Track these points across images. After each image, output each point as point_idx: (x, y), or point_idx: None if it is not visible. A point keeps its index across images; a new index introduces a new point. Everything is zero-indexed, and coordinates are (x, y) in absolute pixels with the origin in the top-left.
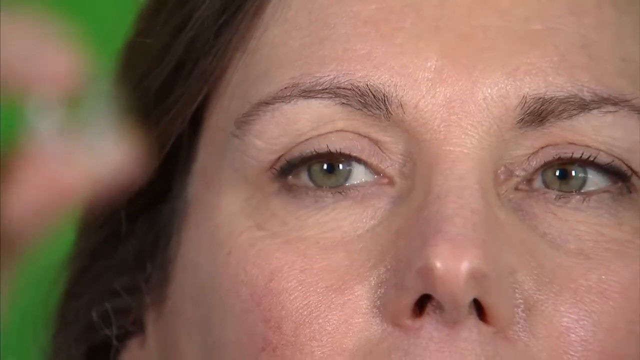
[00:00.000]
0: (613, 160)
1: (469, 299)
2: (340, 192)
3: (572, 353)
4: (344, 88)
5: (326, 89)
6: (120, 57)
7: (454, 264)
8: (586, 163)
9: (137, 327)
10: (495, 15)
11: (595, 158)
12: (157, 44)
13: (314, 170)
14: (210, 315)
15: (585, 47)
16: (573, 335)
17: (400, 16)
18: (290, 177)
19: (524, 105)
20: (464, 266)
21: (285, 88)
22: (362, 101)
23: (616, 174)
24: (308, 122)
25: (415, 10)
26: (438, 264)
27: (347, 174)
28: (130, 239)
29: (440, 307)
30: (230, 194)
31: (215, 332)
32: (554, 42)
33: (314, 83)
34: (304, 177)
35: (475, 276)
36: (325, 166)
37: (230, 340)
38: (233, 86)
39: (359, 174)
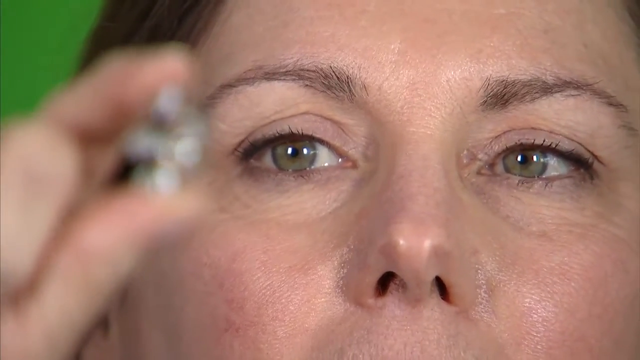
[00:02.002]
0: (575, 147)
1: (431, 276)
2: (302, 176)
3: (534, 334)
4: (307, 70)
5: (290, 71)
6: (86, 42)
7: (416, 241)
8: (548, 149)
9: (98, 318)
10: (462, 4)
11: (557, 145)
12: (122, 29)
13: (278, 153)
14: (172, 299)
15: (548, 32)
16: (535, 316)
17: (369, 2)
18: (253, 160)
19: (487, 87)
20: (427, 243)
21: (249, 70)
22: (326, 83)
23: (578, 160)
24: (271, 105)
25: None
26: (401, 241)
27: (311, 158)
28: None
29: (402, 286)
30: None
31: (177, 316)
32: (517, 26)
33: (278, 65)
34: (267, 161)
35: (438, 254)
36: (289, 150)
37: (192, 323)
38: (197, 72)
39: (322, 158)
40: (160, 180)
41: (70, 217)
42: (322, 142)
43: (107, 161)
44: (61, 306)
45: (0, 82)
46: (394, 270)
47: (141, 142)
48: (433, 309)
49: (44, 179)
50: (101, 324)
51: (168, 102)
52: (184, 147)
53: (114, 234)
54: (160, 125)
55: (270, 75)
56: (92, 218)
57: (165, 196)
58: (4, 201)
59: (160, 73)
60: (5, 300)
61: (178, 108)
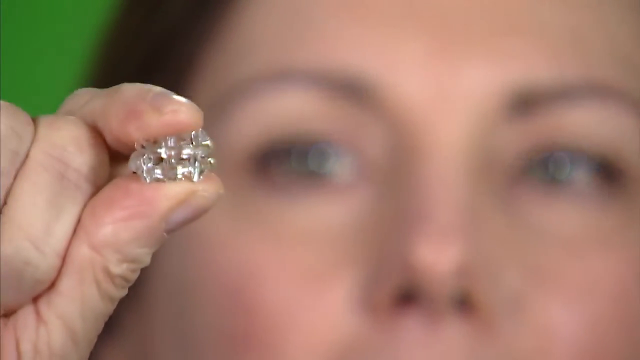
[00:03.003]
0: (600, 155)
1: (454, 292)
2: (319, 185)
3: (560, 348)
4: (325, 72)
5: (308, 72)
6: (99, 38)
7: (439, 256)
8: (573, 156)
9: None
10: (485, 3)
11: (582, 150)
12: (134, 27)
13: (294, 162)
14: (187, 306)
15: (576, 39)
16: (561, 331)
17: (388, 1)
18: (269, 167)
19: (511, 93)
20: (450, 258)
21: (264, 72)
22: (346, 86)
23: (604, 168)
24: (286, 108)
25: None
26: (422, 256)
27: (328, 166)
28: None
29: (423, 302)
30: None
31: (191, 324)
32: (541, 29)
33: (293, 67)
34: (283, 169)
35: (461, 268)
36: (305, 157)
37: (207, 332)
38: (210, 71)
39: (340, 165)
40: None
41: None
42: (339, 147)
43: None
44: (79, 298)
45: (0, 82)
46: (414, 286)
47: (152, 174)
48: (454, 327)
49: (76, 176)
50: (111, 328)
51: (174, 144)
52: (195, 173)
53: (129, 223)
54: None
55: (286, 77)
56: (105, 206)
57: (172, 184)
58: (33, 199)
59: (171, 122)
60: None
61: (182, 149)
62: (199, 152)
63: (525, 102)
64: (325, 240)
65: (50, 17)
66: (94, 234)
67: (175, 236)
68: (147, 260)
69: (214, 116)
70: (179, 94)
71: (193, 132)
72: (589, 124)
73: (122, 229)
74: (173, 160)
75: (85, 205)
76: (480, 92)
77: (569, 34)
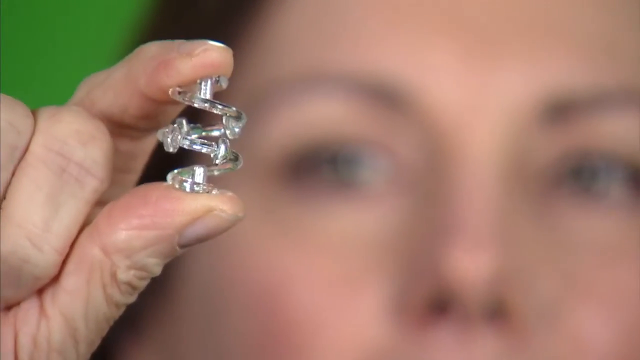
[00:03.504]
0: (635, 161)
1: (488, 301)
2: (351, 191)
3: (591, 357)
4: (360, 76)
5: (341, 77)
6: (128, 41)
7: (473, 265)
8: (608, 162)
9: (132, 326)
10: (521, 8)
11: (616, 158)
12: (166, 27)
13: (326, 168)
14: (217, 313)
15: (610, 44)
16: (596, 340)
17: (423, 5)
18: (302, 175)
19: (546, 99)
20: (484, 267)
21: (298, 75)
22: (379, 90)
23: (638, 174)
24: (321, 112)
25: (437, 2)
26: (457, 264)
27: (361, 173)
28: None
29: (456, 310)
30: (240, 192)
31: (221, 330)
32: (578, 37)
33: (328, 71)
34: (315, 176)
35: (496, 277)
36: (336, 165)
37: (237, 339)
38: (242, 73)
39: (372, 173)
40: (195, 180)
41: (98, 206)
42: (372, 151)
43: (139, 156)
44: (84, 297)
45: (0, 82)
46: (447, 294)
47: (177, 140)
48: (487, 336)
49: (77, 170)
50: (140, 326)
51: (208, 94)
52: (219, 150)
53: (143, 232)
54: (196, 120)
55: (318, 81)
56: (122, 211)
57: (197, 197)
58: (31, 195)
59: (204, 62)
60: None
61: (216, 103)
62: (231, 116)
63: (560, 109)
64: (356, 248)
65: (51, 17)
66: (107, 237)
67: (206, 242)
68: (156, 270)
69: (247, 116)
70: None
71: (224, 117)
72: (624, 131)
73: (134, 237)
74: (199, 142)
75: (88, 201)
76: (515, 98)
77: (603, 38)
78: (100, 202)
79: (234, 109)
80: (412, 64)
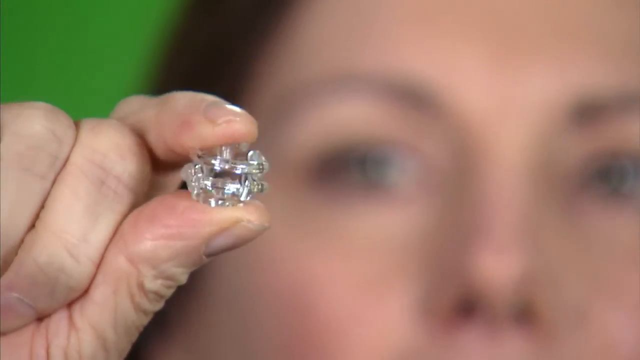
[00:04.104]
0: None
1: (516, 303)
2: (381, 195)
3: (619, 359)
4: (389, 78)
5: (370, 78)
6: (158, 45)
7: (501, 267)
8: (636, 164)
9: (161, 329)
10: (548, 10)
11: None
12: (194, 28)
13: (354, 170)
14: (247, 317)
15: (635, 45)
16: (625, 343)
17: (451, 7)
18: (330, 177)
19: (574, 102)
20: (512, 269)
21: (326, 76)
22: (409, 92)
23: None
24: (350, 113)
25: (467, 4)
26: (484, 266)
27: (389, 175)
28: None
29: (484, 313)
30: (268, 193)
31: (250, 333)
32: (604, 39)
33: (357, 72)
34: (343, 178)
35: (524, 280)
36: (365, 166)
37: (268, 342)
38: (271, 74)
39: (401, 174)
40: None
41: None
42: (401, 152)
43: (169, 187)
44: (112, 308)
45: (1, 82)
46: (475, 296)
47: (200, 183)
48: (515, 338)
49: (116, 183)
50: (170, 327)
51: (228, 155)
52: (243, 193)
53: (169, 242)
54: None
55: (347, 82)
56: (148, 221)
57: (224, 207)
58: (70, 206)
59: (226, 133)
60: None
61: (236, 165)
62: (253, 170)
63: (588, 110)
64: (384, 250)
65: (50, 17)
66: (133, 247)
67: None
68: (183, 279)
69: (274, 120)
70: (238, 96)
71: (250, 152)
72: None
73: (161, 247)
74: (224, 175)
75: (124, 214)
76: (542, 100)
77: (628, 40)
78: None
79: (255, 163)
80: (440, 66)
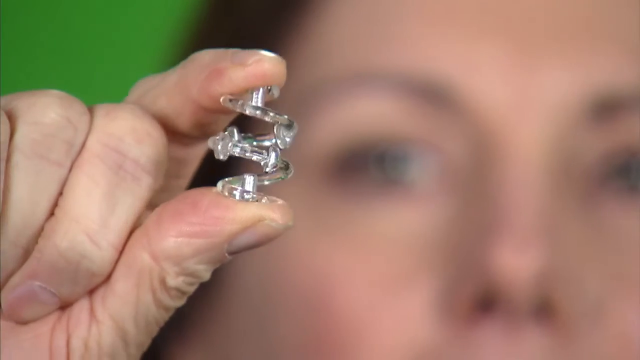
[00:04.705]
0: None
1: (535, 298)
2: (400, 192)
3: (637, 355)
4: (407, 75)
5: (389, 76)
6: (176, 37)
7: (520, 262)
8: None
9: (180, 327)
10: (566, 7)
11: None
12: (212, 26)
13: (373, 167)
14: (265, 314)
15: None
16: (638, 336)
17: (469, 5)
18: (349, 174)
19: (592, 98)
20: (531, 264)
21: (345, 73)
22: (427, 89)
23: None
24: (369, 111)
25: (485, 1)
26: (503, 261)
27: (409, 172)
28: None
29: (503, 307)
30: (288, 190)
31: (271, 334)
32: (623, 35)
33: (375, 69)
34: (362, 176)
35: (543, 274)
36: (384, 164)
37: (288, 341)
38: (290, 71)
39: (420, 171)
40: (245, 188)
41: (148, 209)
42: (420, 148)
43: (189, 162)
44: (134, 302)
45: (1, 82)
46: (494, 291)
47: (227, 147)
48: (534, 334)
49: (134, 167)
50: (190, 328)
51: (259, 102)
52: (269, 159)
53: (192, 239)
54: (248, 130)
55: (366, 80)
56: (171, 218)
57: (247, 205)
58: (89, 191)
59: (256, 72)
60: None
61: (267, 111)
62: (282, 125)
63: (606, 107)
64: (403, 247)
65: (50, 17)
66: (156, 244)
67: None
68: (206, 276)
69: (295, 116)
70: None
71: (275, 126)
72: None
73: (184, 244)
74: (249, 149)
75: (143, 198)
76: (561, 96)
77: None
78: (150, 206)
79: (286, 117)
80: (459, 63)
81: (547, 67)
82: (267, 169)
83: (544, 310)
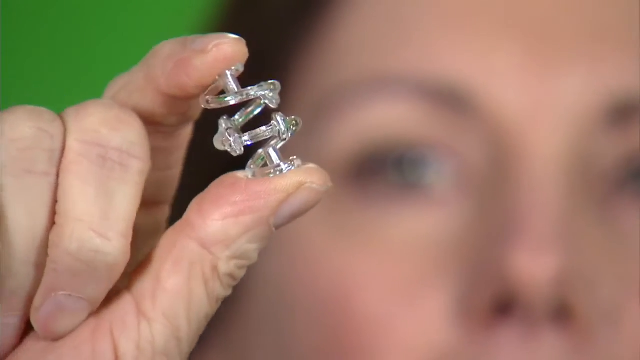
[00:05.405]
0: None
1: (552, 301)
2: (417, 196)
3: None
4: (425, 79)
5: (407, 80)
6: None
7: (537, 265)
8: None
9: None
10: (582, 11)
11: None
12: (232, 29)
13: (391, 171)
14: (283, 317)
15: None
16: None
17: (487, 9)
18: (367, 178)
19: (609, 103)
20: (548, 267)
21: (363, 78)
22: (445, 93)
23: None
24: (387, 115)
25: (502, 6)
26: (520, 265)
27: (427, 176)
28: None
29: (520, 311)
30: None
31: (287, 334)
32: (632, 35)
33: (393, 74)
34: (380, 180)
35: (559, 278)
36: (402, 168)
37: (302, 342)
38: (308, 75)
39: (438, 175)
40: (275, 164)
41: (149, 208)
42: (438, 153)
43: (176, 150)
44: (186, 296)
45: (1, 82)
46: (511, 295)
47: (238, 143)
48: (552, 337)
49: (118, 155)
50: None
51: (234, 81)
52: (279, 125)
53: (239, 218)
54: (233, 108)
55: (384, 84)
56: (213, 202)
57: (285, 173)
58: (82, 189)
59: (218, 57)
60: (109, 285)
61: (247, 91)
62: (266, 90)
63: (623, 111)
64: (420, 251)
65: (48, 17)
66: (203, 231)
67: (272, 246)
68: (255, 256)
69: (312, 122)
70: None
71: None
72: None
73: (231, 225)
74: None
75: (137, 182)
76: (577, 101)
77: None
78: (154, 202)
79: (266, 82)
80: (476, 67)
81: (564, 72)
82: (284, 136)
83: (561, 313)
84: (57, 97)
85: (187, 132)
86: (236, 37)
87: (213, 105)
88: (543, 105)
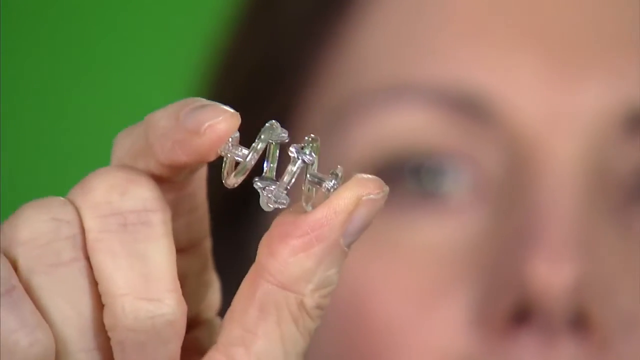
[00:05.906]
0: None
1: (570, 310)
2: (435, 205)
3: None
4: (443, 87)
5: (425, 88)
6: (214, 59)
7: (554, 275)
8: None
9: None
10: (600, 20)
11: None
12: (251, 36)
13: (409, 179)
14: None
15: None
16: None
17: (506, 18)
18: (386, 184)
19: (627, 111)
20: (565, 277)
21: (382, 85)
22: (463, 101)
23: None
24: (405, 123)
25: (521, 15)
26: (538, 273)
27: (445, 184)
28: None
29: (538, 319)
30: None
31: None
32: None
33: (412, 82)
34: (398, 188)
35: (576, 286)
36: (420, 175)
37: (320, 350)
38: (327, 82)
39: (456, 183)
40: (325, 185)
41: (185, 253)
42: (456, 161)
43: (196, 193)
44: (279, 339)
45: (1, 82)
46: (529, 303)
47: (281, 194)
48: (569, 346)
49: (136, 216)
50: None
51: (239, 148)
52: (306, 156)
53: (310, 250)
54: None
55: (402, 92)
56: (281, 242)
57: (339, 193)
58: (114, 264)
59: (213, 138)
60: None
61: (254, 148)
62: (271, 134)
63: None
64: (438, 259)
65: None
66: (280, 274)
67: None
68: (336, 280)
69: (330, 130)
70: (293, 110)
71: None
72: None
73: (304, 259)
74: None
75: (165, 233)
76: (595, 110)
77: None
78: (191, 245)
79: (268, 123)
80: (495, 76)
81: (581, 80)
82: (311, 159)
83: (579, 322)
84: (57, 97)
85: (202, 173)
86: (228, 110)
87: (241, 180)
88: (560, 113)
